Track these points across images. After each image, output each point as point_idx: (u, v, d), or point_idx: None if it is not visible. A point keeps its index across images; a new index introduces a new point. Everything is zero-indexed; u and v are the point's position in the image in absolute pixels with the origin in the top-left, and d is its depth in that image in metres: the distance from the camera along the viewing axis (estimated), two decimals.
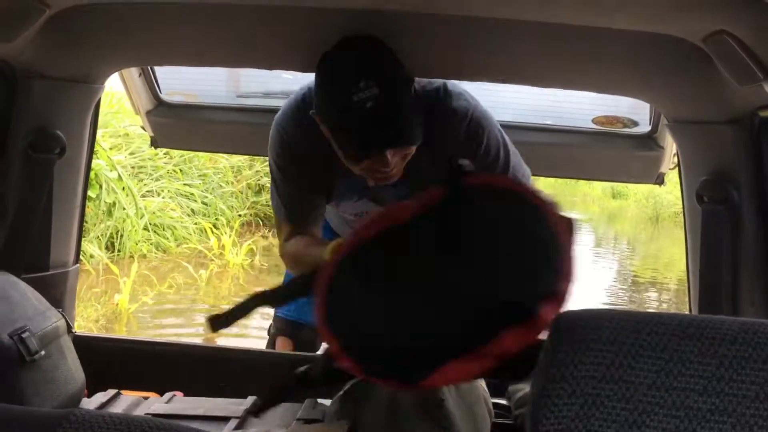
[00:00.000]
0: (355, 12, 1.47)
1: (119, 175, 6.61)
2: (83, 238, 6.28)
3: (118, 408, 1.60)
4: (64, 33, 1.60)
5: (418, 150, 1.63)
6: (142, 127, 2.50)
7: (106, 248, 6.39)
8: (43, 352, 1.36)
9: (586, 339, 0.77)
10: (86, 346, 1.83)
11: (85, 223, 6.24)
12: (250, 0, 1.49)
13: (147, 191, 7.19)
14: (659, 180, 2.31)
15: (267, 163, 1.82)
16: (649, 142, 2.23)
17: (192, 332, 5.22)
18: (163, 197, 7.26)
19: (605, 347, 0.77)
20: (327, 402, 1.64)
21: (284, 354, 2.17)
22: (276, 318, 2.24)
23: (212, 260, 6.77)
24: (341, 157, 1.56)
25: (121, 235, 6.56)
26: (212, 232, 7.17)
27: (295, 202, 1.76)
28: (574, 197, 15.90)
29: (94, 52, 1.72)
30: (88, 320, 5.03)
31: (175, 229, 7.19)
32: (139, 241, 6.70)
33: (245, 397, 1.66)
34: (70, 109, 1.79)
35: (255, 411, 1.54)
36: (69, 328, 1.57)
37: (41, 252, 1.82)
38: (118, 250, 6.51)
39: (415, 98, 1.54)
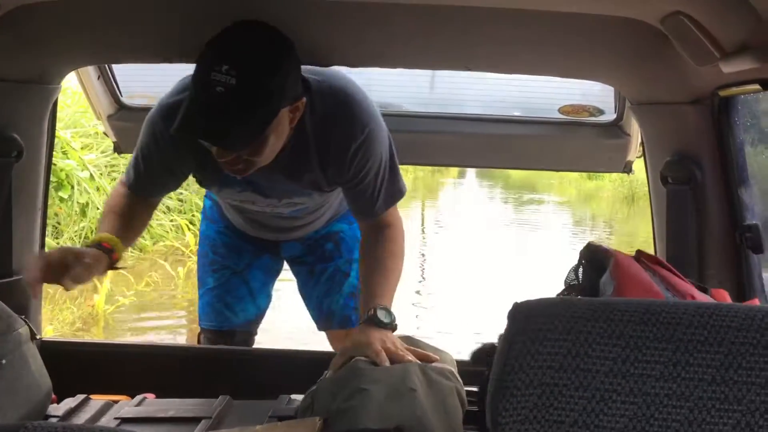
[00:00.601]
0: (328, 3, 1.46)
1: (91, 175, 6.53)
2: (57, 240, 6.20)
3: (87, 413, 1.58)
4: (15, 34, 1.56)
5: (303, 144, 1.59)
6: (105, 133, 2.45)
7: None
8: (4, 361, 1.33)
9: (543, 329, 0.77)
10: (54, 352, 1.80)
11: (58, 225, 6.21)
12: None
13: None
14: (627, 168, 2.31)
15: None
16: (615, 129, 2.23)
17: (172, 324, 5.20)
18: None
19: (562, 336, 0.77)
20: (300, 397, 1.63)
21: (256, 350, 2.15)
22: (204, 330, 2.17)
23: (190, 257, 6.72)
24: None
25: None
26: (188, 228, 7.12)
27: (149, 173, 1.71)
28: (551, 180, 16.01)
29: (47, 52, 1.69)
30: (63, 323, 4.96)
31: (150, 227, 7.12)
32: None
33: (217, 397, 1.64)
34: (26, 111, 1.76)
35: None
36: (33, 334, 1.54)
37: (3, 258, 1.78)
38: None
39: (273, 112, 1.46)
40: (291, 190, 1.77)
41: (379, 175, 1.68)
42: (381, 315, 1.59)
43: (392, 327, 1.60)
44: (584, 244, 1.58)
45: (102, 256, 1.55)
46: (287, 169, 1.64)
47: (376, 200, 1.70)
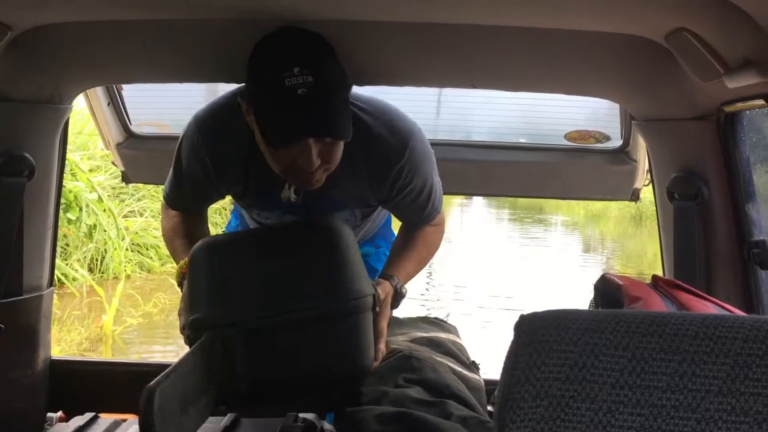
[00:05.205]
0: (327, 22, 1.47)
1: (99, 197, 6.57)
2: (65, 262, 6.22)
3: (95, 431, 1.58)
4: (28, 54, 1.58)
5: (343, 167, 1.55)
6: (113, 163, 2.44)
7: (89, 270, 6.34)
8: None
9: (549, 340, 0.77)
10: (63, 370, 1.81)
11: (66, 246, 6.24)
12: (215, 15, 1.49)
13: (129, 211, 7.15)
14: (634, 196, 2.28)
15: None
16: (622, 156, 2.22)
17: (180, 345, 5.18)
18: (145, 217, 7.22)
19: (568, 348, 0.77)
20: (308, 416, 1.63)
21: None
22: None
23: None
24: (263, 148, 1.47)
25: (104, 257, 6.52)
26: None
27: (189, 189, 1.70)
28: (559, 200, 15.99)
29: (58, 72, 1.71)
30: (71, 344, 4.97)
31: (158, 248, 7.15)
32: (122, 261, 6.66)
33: (225, 414, 1.64)
34: (38, 130, 1.77)
35: None
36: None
37: (14, 277, 1.79)
38: (101, 272, 6.46)
39: (348, 101, 1.48)
40: (330, 208, 1.73)
41: (419, 199, 1.68)
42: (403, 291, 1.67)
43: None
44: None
45: None
46: (339, 185, 1.62)
47: (417, 215, 1.75)
